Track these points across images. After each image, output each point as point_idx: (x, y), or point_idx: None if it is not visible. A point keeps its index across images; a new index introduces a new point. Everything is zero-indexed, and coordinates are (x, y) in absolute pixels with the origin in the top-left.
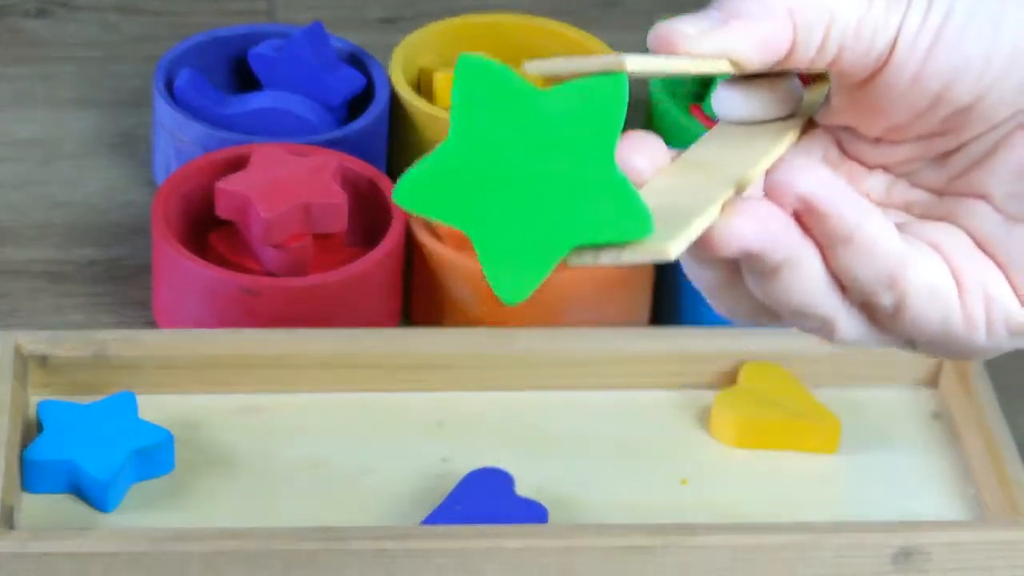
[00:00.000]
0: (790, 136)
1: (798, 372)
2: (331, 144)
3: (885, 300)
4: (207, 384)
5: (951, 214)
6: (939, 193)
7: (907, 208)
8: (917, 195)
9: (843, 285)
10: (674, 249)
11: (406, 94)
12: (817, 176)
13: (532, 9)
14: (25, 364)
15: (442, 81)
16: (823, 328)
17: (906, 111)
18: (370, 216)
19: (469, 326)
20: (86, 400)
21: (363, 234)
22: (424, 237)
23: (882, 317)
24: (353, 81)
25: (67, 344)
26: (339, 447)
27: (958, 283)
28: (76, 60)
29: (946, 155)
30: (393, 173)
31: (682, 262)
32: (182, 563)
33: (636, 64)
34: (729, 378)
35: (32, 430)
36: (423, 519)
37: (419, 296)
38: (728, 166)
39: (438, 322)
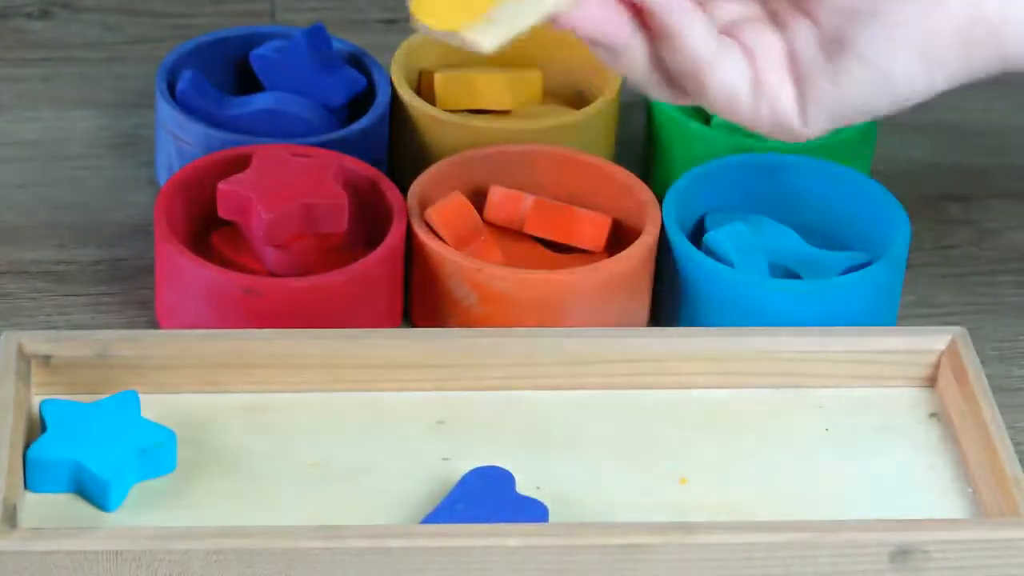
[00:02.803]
0: None
1: (797, 371)
2: (332, 145)
3: (690, 87)
4: (209, 384)
5: (786, 22)
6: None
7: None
8: None
9: (664, 66)
10: (487, 44)
11: (407, 95)
12: None
13: None
14: (28, 364)
15: (442, 82)
16: (644, 91)
17: None
18: (371, 216)
19: (469, 326)
20: (89, 399)
21: (364, 234)
22: (424, 237)
23: (688, 95)
24: (354, 82)
25: (70, 344)
26: (339, 447)
27: (755, 87)
28: (78, 61)
29: None
30: (394, 174)
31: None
32: (184, 562)
33: (492, 41)
34: (729, 379)
35: (35, 429)
36: (423, 518)
37: (419, 296)
38: None
39: (438, 322)
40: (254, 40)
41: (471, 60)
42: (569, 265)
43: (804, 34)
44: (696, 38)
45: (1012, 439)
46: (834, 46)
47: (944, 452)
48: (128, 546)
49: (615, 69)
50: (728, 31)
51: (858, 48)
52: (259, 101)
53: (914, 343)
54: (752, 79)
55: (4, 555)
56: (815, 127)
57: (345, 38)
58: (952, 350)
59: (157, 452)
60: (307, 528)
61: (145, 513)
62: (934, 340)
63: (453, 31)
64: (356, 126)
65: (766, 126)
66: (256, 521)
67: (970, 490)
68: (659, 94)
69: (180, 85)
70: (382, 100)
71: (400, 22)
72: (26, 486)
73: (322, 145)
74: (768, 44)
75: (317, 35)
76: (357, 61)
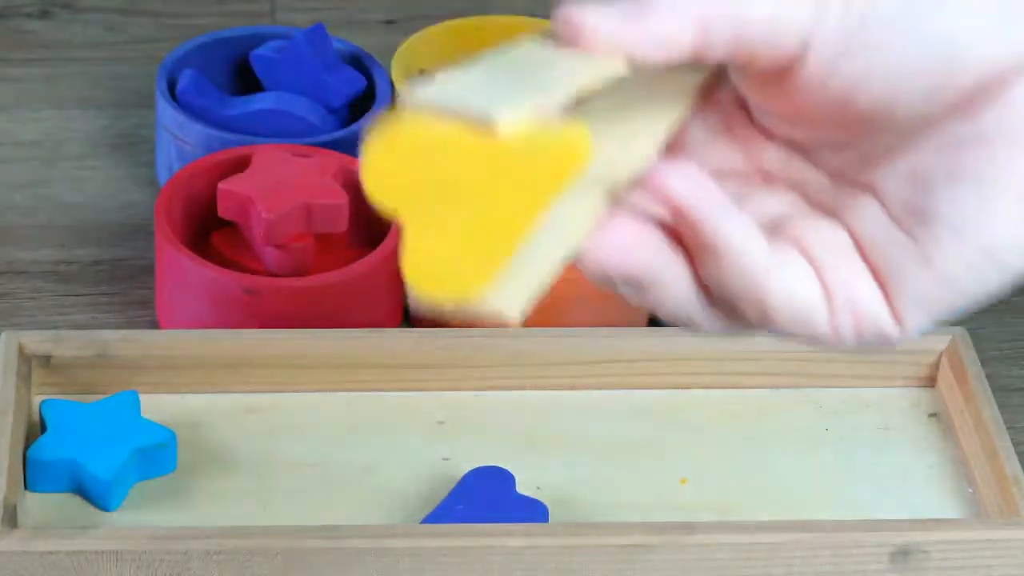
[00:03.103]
0: (688, 99)
1: (797, 371)
2: (332, 145)
3: (748, 310)
4: (209, 384)
5: (842, 207)
6: (836, 177)
7: (801, 187)
8: (814, 175)
9: (710, 290)
10: (513, 314)
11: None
12: (692, 182)
13: (532, 11)
14: (28, 364)
15: None
16: (688, 326)
17: (812, 108)
18: (371, 217)
19: (469, 326)
20: (89, 399)
21: (364, 235)
22: None
23: (747, 320)
24: (354, 82)
25: (70, 344)
26: (339, 447)
27: (827, 293)
28: (79, 61)
29: (850, 142)
30: None
31: None
32: (183, 561)
33: (509, 120)
34: (729, 379)
35: (35, 429)
36: (423, 518)
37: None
38: (609, 160)
39: (438, 322)
40: (254, 40)
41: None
42: (569, 265)
43: (869, 213)
44: (747, 249)
45: (1012, 439)
46: (914, 219)
47: (944, 452)
48: (128, 546)
49: (648, 305)
50: (772, 233)
51: (947, 216)
52: (259, 101)
53: (914, 343)
54: (822, 286)
55: (4, 555)
56: (914, 325)
57: (345, 38)
58: (952, 350)
59: (157, 452)
60: (307, 528)
61: (145, 513)
62: (934, 340)
63: (463, 298)
64: (356, 126)
65: (851, 338)
66: (256, 521)
67: (970, 490)
68: (710, 325)
69: (180, 85)
70: (382, 100)
71: (400, 22)
72: (26, 486)
73: (322, 145)
74: (827, 236)
75: (317, 35)
76: (357, 61)
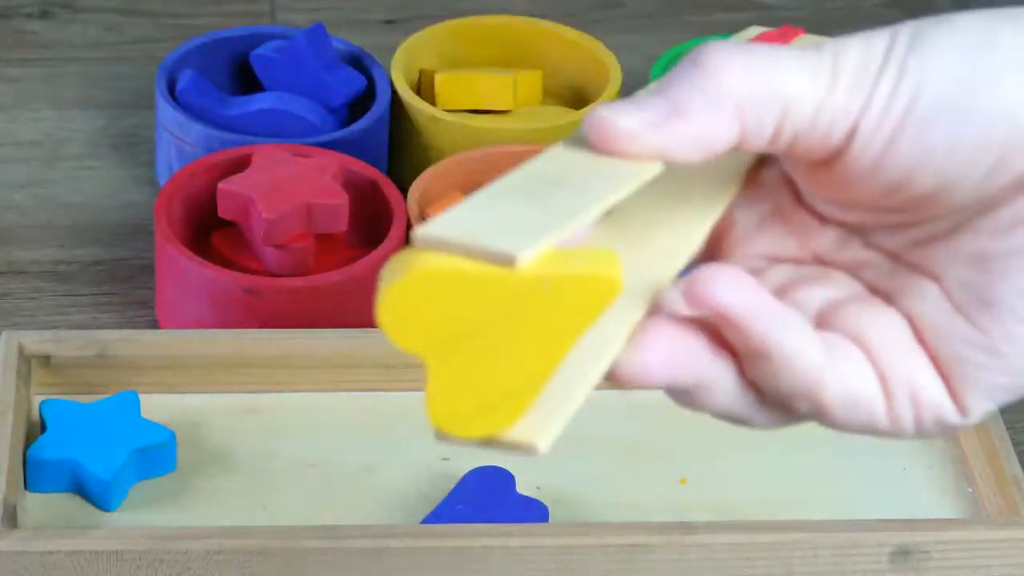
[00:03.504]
0: (735, 185)
1: None
2: (332, 145)
3: (802, 408)
4: (209, 384)
5: (900, 291)
6: (893, 258)
7: (857, 269)
8: (870, 256)
9: (759, 389)
10: (542, 445)
11: (407, 95)
12: (735, 287)
13: (532, 11)
14: (28, 364)
15: (443, 83)
16: (740, 424)
17: (864, 192)
18: (371, 217)
19: None
20: (89, 399)
21: (364, 235)
22: None
23: (801, 416)
24: (354, 82)
25: (70, 344)
26: (339, 447)
27: (884, 386)
28: (79, 61)
29: (906, 225)
30: (394, 174)
31: None
32: (183, 562)
33: (529, 255)
34: None
35: (35, 429)
36: (423, 518)
37: None
38: (650, 258)
39: None
40: (254, 40)
41: (471, 60)
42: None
43: (929, 299)
44: (799, 351)
45: (1012, 439)
46: (977, 305)
47: (944, 452)
48: (128, 546)
49: (695, 408)
50: (826, 320)
51: (1011, 303)
52: (259, 101)
53: None
54: (879, 377)
55: (4, 555)
56: (977, 412)
57: (345, 38)
58: None
59: (157, 452)
60: (307, 528)
61: (145, 513)
62: None
63: (491, 437)
64: (356, 126)
65: (911, 429)
66: (256, 521)
67: (970, 490)
68: (760, 420)
69: (180, 85)
70: (382, 100)
71: (400, 22)
72: (26, 486)
73: (322, 145)
74: (883, 324)
75: (317, 35)
76: (357, 61)
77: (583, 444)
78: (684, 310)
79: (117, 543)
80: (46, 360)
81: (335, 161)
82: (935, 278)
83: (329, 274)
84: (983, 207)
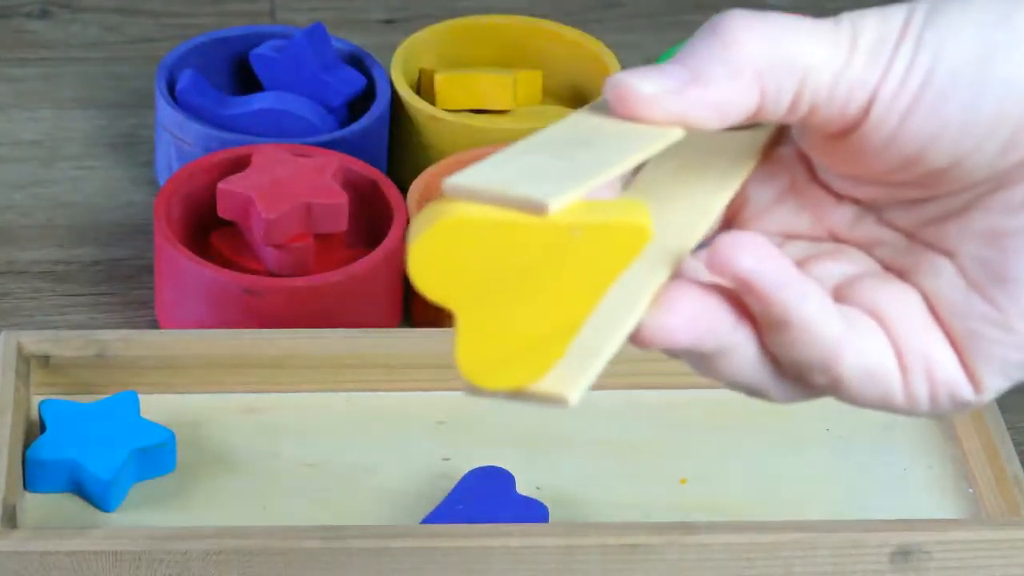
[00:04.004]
0: (751, 160)
1: None
2: (332, 145)
3: (819, 380)
4: (208, 384)
5: (914, 268)
6: (908, 235)
7: (872, 247)
8: (885, 234)
9: (777, 358)
10: (573, 397)
11: (407, 95)
12: (758, 254)
13: (532, 10)
14: (27, 364)
15: (442, 82)
16: (756, 396)
17: (880, 165)
18: (371, 216)
19: None
20: (88, 400)
21: (364, 234)
22: None
23: (817, 388)
24: (354, 82)
25: (69, 344)
26: (339, 447)
27: (900, 360)
28: (78, 61)
29: (920, 201)
30: (394, 173)
31: None
32: (183, 562)
33: (560, 202)
34: None
35: (34, 429)
36: (423, 518)
37: (419, 296)
38: (670, 228)
39: (438, 322)
40: (254, 40)
41: (471, 60)
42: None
43: (944, 275)
44: (818, 320)
45: (1013, 439)
46: (991, 281)
47: (944, 452)
48: (127, 546)
49: (713, 376)
50: (842, 295)
51: (1023, 278)
52: (259, 101)
53: None
54: (895, 351)
55: (4, 555)
56: (993, 389)
57: (345, 38)
58: None
59: (156, 452)
60: (307, 528)
61: (144, 513)
62: None
63: (519, 389)
64: (356, 126)
65: (927, 407)
66: (256, 521)
67: (971, 490)
68: (777, 393)
69: (180, 85)
70: (382, 100)
71: (400, 21)
72: (25, 486)
73: (322, 145)
74: (899, 299)
75: (317, 34)
76: (357, 61)
77: (583, 444)
78: (705, 279)
79: (116, 543)
80: (45, 360)
81: (335, 161)
82: (949, 255)
83: (329, 274)
84: (997, 184)
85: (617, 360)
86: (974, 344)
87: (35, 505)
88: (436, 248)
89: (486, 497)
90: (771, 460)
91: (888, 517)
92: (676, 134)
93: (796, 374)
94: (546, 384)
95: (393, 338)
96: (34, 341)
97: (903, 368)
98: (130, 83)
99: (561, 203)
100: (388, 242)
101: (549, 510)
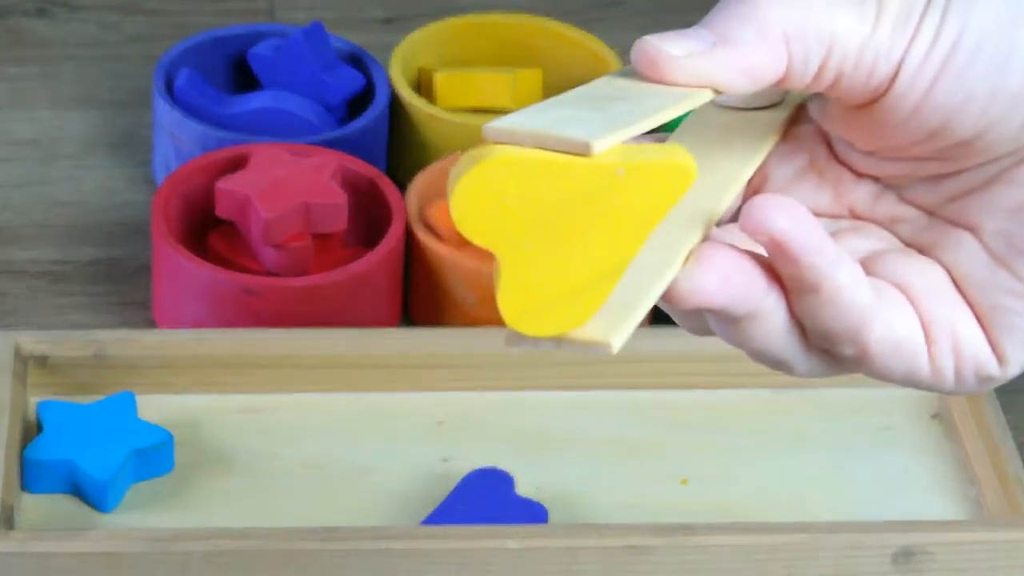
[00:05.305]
0: (773, 137)
1: None
2: (331, 144)
3: (847, 351)
4: (207, 384)
5: (937, 244)
6: (929, 213)
7: (892, 224)
8: (905, 211)
9: (804, 329)
10: (616, 343)
11: (406, 94)
12: (792, 216)
13: (532, 9)
14: (25, 364)
15: (442, 81)
16: (781, 368)
17: (903, 138)
18: (370, 216)
19: (469, 326)
20: (86, 400)
21: (363, 234)
22: (424, 237)
23: (843, 362)
24: (353, 81)
25: (67, 344)
26: (339, 447)
27: (927, 333)
28: (76, 60)
29: (942, 177)
30: (393, 173)
31: None
32: (182, 563)
33: (602, 143)
34: (729, 379)
35: (32, 430)
36: (423, 519)
37: (419, 296)
38: (700, 193)
39: (438, 322)
40: (252, 38)
41: (471, 59)
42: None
43: (967, 250)
44: (849, 287)
45: (1015, 440)
46: (1013, 254)
47: (946, 453)
48: (125, 547)
49: (740, 343)
50: (868, 270)
51: None
52: (257, 100)
53: None
54: (923, 325)
55: (1, 556)
56: (1016, 362)
57: (344, 36)
58: None
59: (154, 453)
60: (306, 529)
61: (142, 514)
62: None
63: (560, 336)
64: (355, 125)
65: (952, 381)
66: (254, 522)
67: (973, 491)
68: (801, 365)
69: (178, 84)
70: (381, 99)
71: (399, 20)
72: (23, 487)
73: (321, 144)
74: (924, 274)
75: (316, 33)
76: (356, 60)
77: (583, 445)
78: (737, 244)
79: (114, 544)
80: (43, 360)
81: (334, 160)
82: (972, 230)
83: (328, 274)
84: (1021, 157)
85: (617, 360)
86: (999, 317)
87: (32, 506)
88: (480, 190)
89: (486, 498)
90: (772, 461)
91: (890, 518)
92: (705, 95)
93: (824, 345)
94: (588, 330)
95: (393, 338)
96: (32, 341)
97: (930, 341)
98: (128, 82)
99: (605, 144)
100: (387, 241)
101: (549, 511)
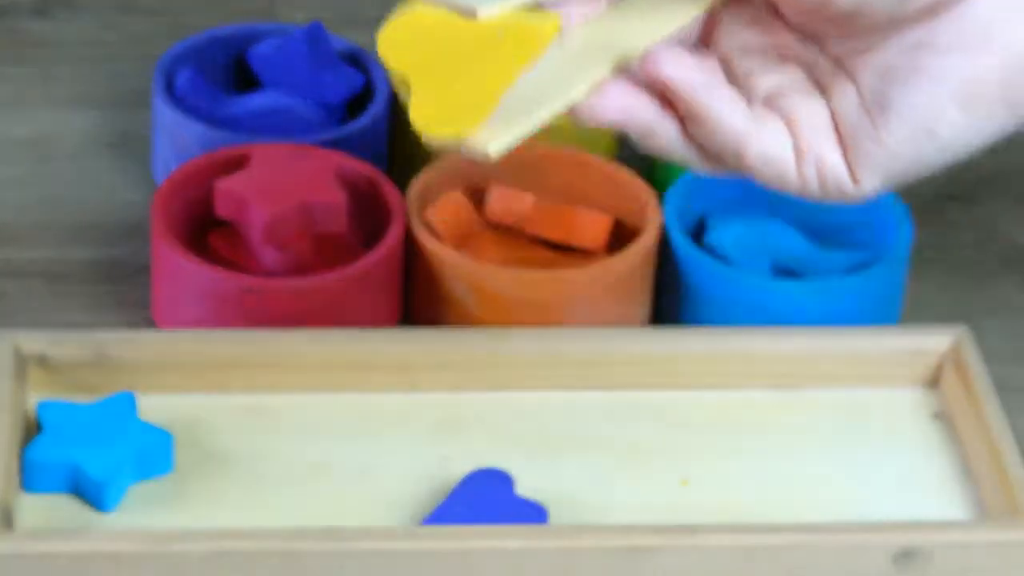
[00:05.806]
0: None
1: (799, 372)
2: (330, 144)
3: (729, 162)
4: (207, 384)
5: (831, 86)
6: (835, 61)
7: (808, 67)
8: (819, 59)
9: (699, 143)
10: (493, 149)
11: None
12: (680, 63)
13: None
14: (24, 364)
15: None
16: (683, 165)
17: (797, 6)
18: (370, 216)
19: (469, 326)
20: (85, 400)
21: (363, 234)
22: (424, 237)
23: (731, 168)
24: (352, 80)
25: (66, 344)
26: (339, 447)
27: (798, 154)
28: (75, 60)
29: (840, 37)
30: (393, 173)
31: None
32: (181, 563)
33: (488, 12)
34: (729, 379)
35: (31, 430)
36: (423, 519)
37: (419, 296)
38: (623, 38)
39: (438, 322)
40: (252, 38)
41: None
42: (569, 265)
43: (847, 97)
44: (727, 117)
45: (1016, 440)
46: (876, 107)
47: (947, 453)
48: (125, 548)
49: (646, 149)
50: (770, 102)
51: (898, 107)
52: (257, 100)
53: (916, 343)
54: (795, 146)
55: (1, 557)
56: (869, 187)
57: (344, 36)
58: (955, 350)
59: (154, 453)
60: (306, 530)
61: (142, 515)
62: (936, 340)
63: (456, 137)
64: (355, 125)
65: (815, 189)
66: (254, 523)
67: (973, 491)
68: (699, 167)
69: (178, 83)
70: (381, 99)
71: None
72: (22, 487)
73: (321, 144)
74: (811, 111)
75: (316, 33)
76: (356, 59)
77: (583, 445)
78: (642, 79)
79: (114, 545)
80: (42, 360)
81: (333, 160)
82: (855, 83)
83: (328, 274)
84: (894, 28)
85: (617, 360)
86: (856, 149)
87: (32, 506)
88: (398, 32)
89: (485, 498)
90: (772, 461)
91: (890, 519)
92: None
93: (713, 156)
94: (476, 138)
95: (393, 338)
96: (31, 341)
97: (799, 157)
98: (128, 82)
99: (489, 13)
100: (387, 241)
101: (549, 512)
